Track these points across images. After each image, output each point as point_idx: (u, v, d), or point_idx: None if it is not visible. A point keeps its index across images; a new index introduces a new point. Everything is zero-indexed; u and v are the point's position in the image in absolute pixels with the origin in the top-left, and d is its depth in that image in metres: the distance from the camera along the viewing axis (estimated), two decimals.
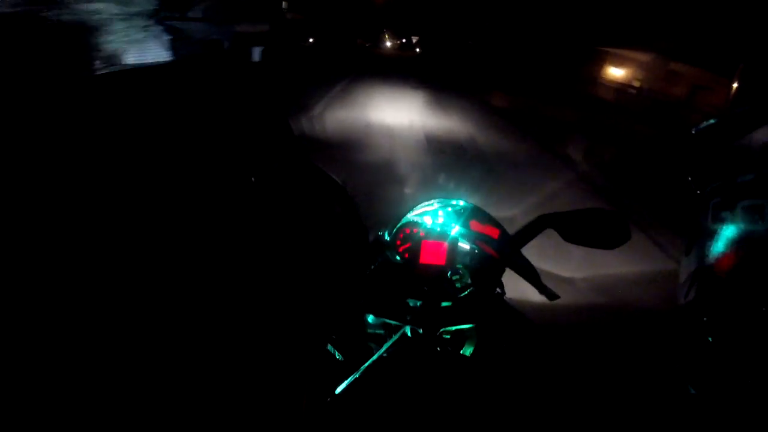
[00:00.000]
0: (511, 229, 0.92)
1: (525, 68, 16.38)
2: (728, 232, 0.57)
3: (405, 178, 4.59)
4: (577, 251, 2.43)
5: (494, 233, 0.90)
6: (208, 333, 1.90)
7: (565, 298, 2.45)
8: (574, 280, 2.70)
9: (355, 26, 35.67)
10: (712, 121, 0.73)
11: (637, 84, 12.73)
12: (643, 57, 12.37)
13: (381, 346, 0.78)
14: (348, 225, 0.92)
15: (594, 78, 14.27)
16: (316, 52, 20.33)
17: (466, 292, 0.86)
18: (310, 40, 23.62)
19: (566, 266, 2.75)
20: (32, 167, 3.29)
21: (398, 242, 0.88)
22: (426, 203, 0.96)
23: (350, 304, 0.89)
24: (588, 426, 0.81)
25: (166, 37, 11.40)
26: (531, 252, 0.91)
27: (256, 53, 13.68)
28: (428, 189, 4.38)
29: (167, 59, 11.38)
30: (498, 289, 0.93)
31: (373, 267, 0.90)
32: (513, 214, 3.53)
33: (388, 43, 45.66)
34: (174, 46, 11.74)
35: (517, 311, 0.95)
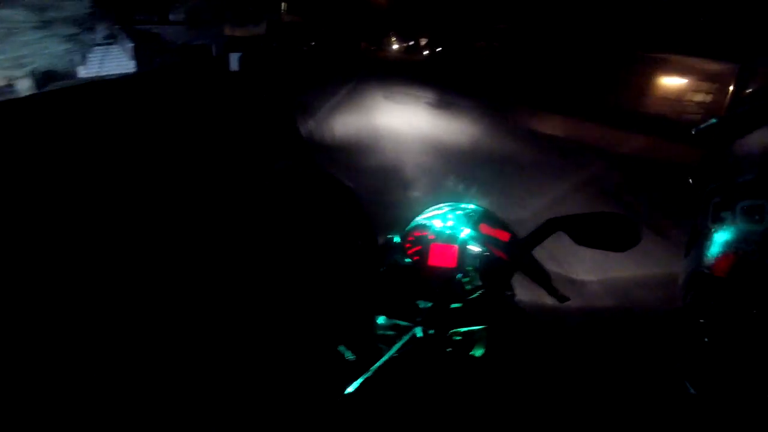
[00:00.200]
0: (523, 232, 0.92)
1: (560, 76, 12.72)
2: (726, 232, 0.57)
3: None
4: (589, 254, 2.40)
5: (504, 236, 0.90)
6: (219, 333, 1.93)
7: (577, 300, 2.43)
8: (586, 283, 2.68)
9: (359, 28, 34.36)
10: (712, 121, 0.73)
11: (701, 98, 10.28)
12: (712, 66, 9.89)
13: (391, 347, 0.79)
14: (357, 228, 0.93)
15: (641, 89, 11.38)
16: (315, 57, 19.20)
17: (476, 294, 0.86)
18: (311, 43, 22.56)
19: (578, 269, 2.72)
20: None
21: (408, 245, 0.89)
22: (436, 207, 0.97)
23: (360, 305, 0.89)
24: (596, 427, 0.81)
25: (129, 45, 10.05)
26: (542, 255, 0.91)
27: (234, 61, 11.89)
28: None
29: (127, 72, 9.77)
30: (508, 291, 0.93)
31: (382, 269, 0.90)
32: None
33: (395, 46, 44.77)
34: (142, 56, 10.19)
35: (527, 313, 0.95)
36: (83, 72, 9.61)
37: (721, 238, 0.57)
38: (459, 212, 0.92)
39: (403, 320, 0.86)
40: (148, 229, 3.04)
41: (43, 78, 7.96)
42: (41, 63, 7.67)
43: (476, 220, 0.90)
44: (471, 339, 0.90)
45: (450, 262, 0.84)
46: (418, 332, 0.84)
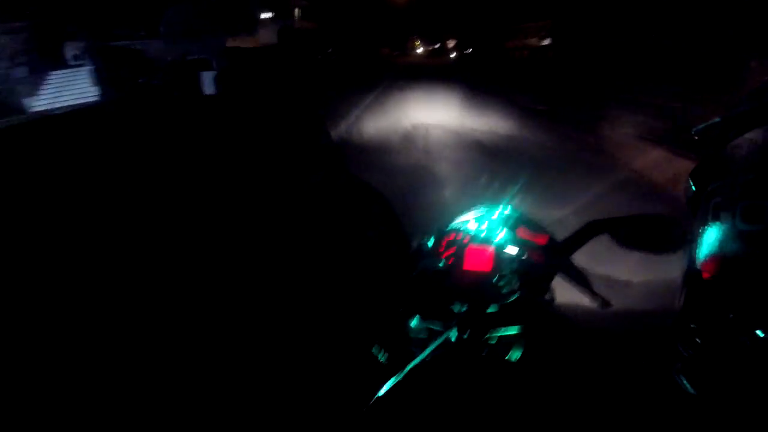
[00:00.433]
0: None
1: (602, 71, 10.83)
2: (720, 232, 0.56)
3: None
4: (634, 255, 2.28)
5: (542, 240, 0.89)
6: (256, 334, 1.99)
7: (620, 303, 2.32)
8: (631, 284, 2.56)
9: (379, 33, 32.34)
10: (712, 120, 0.71)
11: None
12: None
13: (423, 350, 0.79)
14: (391, 233, 0.93)
15: None
16: (332, 66, 16.87)
17: (513, 298, 0.85)
18: (328, 51, 19.95)
19: (622, 269, 2.60)
20: None
21: (441, 249, 0.88)
22: (470, 209, 0.96)
23: (394, 308, 0.90)
24: (611, 427, 0.78)
25: (98, 67, 7.73)
26: (583, 256, 0.88)
27: (207, 81, 9.03)
28: None
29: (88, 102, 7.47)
30: (546, 296, 0.90)
31: (415, 273, 0.91)
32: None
33: (419, 50, 42.23)
34: (117, 78, 7.86)
35: (567, 317, 0.92)
36: (37, 103, 7.32)
37: (713, 239, 0.56)
38: (494, 215, 0.91)
39: (436, 324, 0.86)
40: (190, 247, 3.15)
41: None
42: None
43: (512, 223, 0.89)
44: (507, 343, 0.88)
45: (486, 266, 0.83)
46: (453, 335, 0.83)
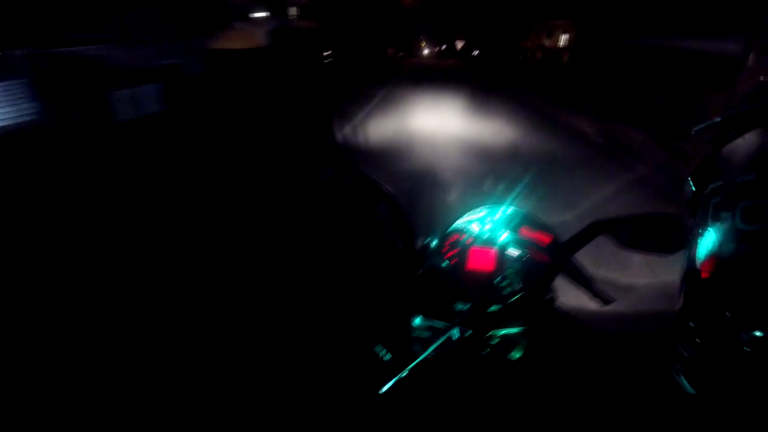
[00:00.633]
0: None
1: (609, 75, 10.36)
2: (719, 232, 0.56)
3: None
4: (637, 257, 2.26)
5: (545, 239, 0.89)
6: (259, 331, 2.01)
7: (624, 305, 2.31)
8: (635, 287, 2.54)
9: (385, 33, 30.60)
10: (712, 120, 0.71)
11: None
12: None
13: (426, 348, 0.80)
14: (397, 232, 0.94)
15: None
16: (331, 69, 15.70)
17: (516, 297, 0.85)
18: (327, 53, 17.84)
19: (625, 272, 2.59)
20: None
21: (445, 249, 0.89)
22: (474, 210, 0.96)
23: (398, 306, 0.91)
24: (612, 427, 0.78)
25: (28, 79, 5.85)
26: (586, 258, 0.88)
27: (122, 106, 6.85)
28: None
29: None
30: (549, 295, 0.91)
31: (420, 272, 0.91)
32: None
33: (426, 51, 41.18)
34: (58, 93, 6.18)
35: (569, 317, 0.92)
36: None
37: (713, 239, 0.56)
38: (498, 215, 0.92)
39: (439, 322, 0.87)
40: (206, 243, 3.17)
41: None
42: None
43: (516, 222, 0.89)
44: (509, 341, 0.89)
45: (488, 266, 0.83)
46: (455, 334, 0.84)
